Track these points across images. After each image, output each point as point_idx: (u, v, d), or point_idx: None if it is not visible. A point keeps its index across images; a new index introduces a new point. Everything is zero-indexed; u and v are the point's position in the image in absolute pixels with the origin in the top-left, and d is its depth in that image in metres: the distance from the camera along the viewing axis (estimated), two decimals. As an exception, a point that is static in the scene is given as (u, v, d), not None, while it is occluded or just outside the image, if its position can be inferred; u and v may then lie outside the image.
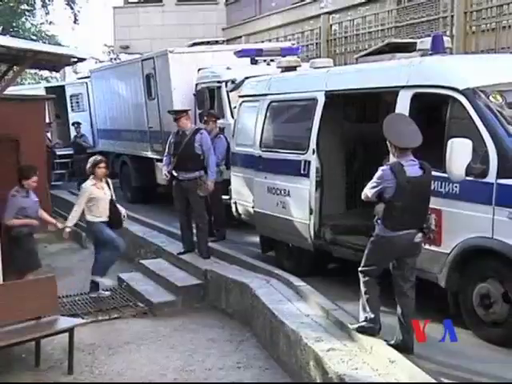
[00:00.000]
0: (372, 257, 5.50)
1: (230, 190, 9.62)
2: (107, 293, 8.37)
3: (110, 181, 8.62)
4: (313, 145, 7.62)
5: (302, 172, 7.73)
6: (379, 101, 7.98)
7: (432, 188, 5.63)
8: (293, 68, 8.88)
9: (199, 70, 12.38)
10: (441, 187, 5.91)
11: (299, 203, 7.77)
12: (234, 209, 9.44)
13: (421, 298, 5.65)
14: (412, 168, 5.31)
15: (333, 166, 8.14)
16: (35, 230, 7.96)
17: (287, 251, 8.51)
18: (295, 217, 7.88)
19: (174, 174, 8.91)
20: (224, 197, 9.86)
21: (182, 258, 8.93)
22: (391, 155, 5.54)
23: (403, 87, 6.42)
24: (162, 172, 9.27)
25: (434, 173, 5.54)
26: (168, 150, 9.16)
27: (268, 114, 8.62)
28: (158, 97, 13.64)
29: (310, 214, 7.62)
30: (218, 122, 10.58)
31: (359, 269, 5.60)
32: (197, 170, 8.88)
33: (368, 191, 5.43)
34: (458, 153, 5.57)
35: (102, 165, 8.31)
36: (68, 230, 8.13)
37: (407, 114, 6.08)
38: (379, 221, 5.39)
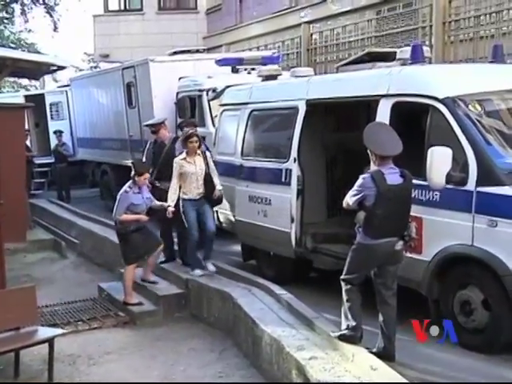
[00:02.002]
0: (353, 265, 5.48)
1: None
2: (199, 272, 7.97)
3: (208, 154, 8.28)
4: (294, 153, 7.58)
5: (284, 180, 7.68)
6: (360, 109, 7.96)
7: (413, 196, 5.66)
8: (274, 77, 8.83)
9: (180, 78, 12.32)
10: (421, 195, 5.93)
11: (280, 212, 7.73)
12: (215, 217, 9.39)
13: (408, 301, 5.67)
14: (392, 176, 5.30)
15: (314, 175, 8.10)
16: (142, 226, 7.95)
17: (268, 260, 8.46)
18: (276, 225, 7.84)
19: (157, 184, 8.84)
20: None
21: (163, 267, 8.83)
22: (372, 163, 5.51)
23: (384, 96, 6.43)
24: None
25: (414, 181, 5.56)
26: (147, 160, 9.07)
27: (249, 123, 8.56)
28: (138, 105, 13.56)
29: (292, 222, 7.57)
30: (199, 130, 10.54)
31: (341, 277, 5.56)
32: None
33: (349, 199, 5.41)
34: (438, 161, 5.62)
35: (194, 139, 7.92)
36: (171, 209, 7.95)
37: (387, 123, 6.10)
38: (360, 229, 5.38)
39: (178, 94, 12.13)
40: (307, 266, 8.04)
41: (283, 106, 8.00)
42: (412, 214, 5.52)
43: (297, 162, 7.58)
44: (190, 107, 11.61)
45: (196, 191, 7.98)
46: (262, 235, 8.17)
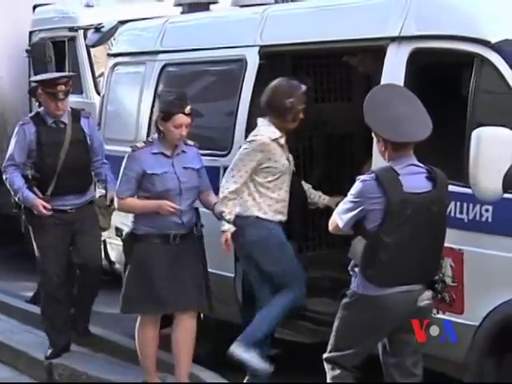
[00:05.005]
0: (346, 334, 4.20)
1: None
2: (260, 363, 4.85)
3: None
4: (240, 141, 5.71)
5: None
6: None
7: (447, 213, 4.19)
8: (203, 6, 6.87)
9: (36, 6, 9.32)
10: (461, 212, 4.38)
11: (217, 243, 5.63)
12: (102, 253, 6.87)
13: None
14: (414, 178, 4.03)
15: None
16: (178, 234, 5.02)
17: (197, 326, 6.27)
18: (210, 267, 5.75)
19: (49, 206, 5.62)
20: None
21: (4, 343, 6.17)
22: (376, 155, 4.37)
23: (394, 39, 4.81)
24: (29, 202, 5.72)
25: (450, 187, 4.14)
26: (17, 156, 5.81)
27: (161, 87, 6.53)
28: None
29: (237, 261, 5.69)
30: (72, 100, 7.02)
31: (324, 356, 4.26)
32: (89, 185, 6.01)
33: (338, 218, 4.14)
34: (490, 151, 4.04)
35: (302, 99, 5.08)
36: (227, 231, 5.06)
37: (402, 85, 4.57)
38: (357, 269, 4.11)
39: (31, 34, 9.09)
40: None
41: (220, 57, 6.08)
42: (447, 244, 4.12)
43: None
44: (53, 58, 8.54)
45: (285, 209, 5.08)
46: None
